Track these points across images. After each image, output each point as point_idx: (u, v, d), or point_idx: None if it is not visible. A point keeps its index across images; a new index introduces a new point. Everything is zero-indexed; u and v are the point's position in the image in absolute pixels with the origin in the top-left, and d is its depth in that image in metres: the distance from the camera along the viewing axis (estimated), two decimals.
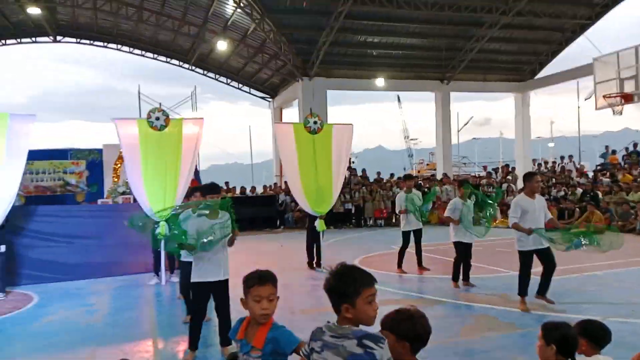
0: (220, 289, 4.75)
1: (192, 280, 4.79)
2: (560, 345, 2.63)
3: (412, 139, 59.00)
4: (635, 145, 20.17)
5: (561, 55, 22.97)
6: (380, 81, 21.62)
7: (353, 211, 17.78)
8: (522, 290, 6.44)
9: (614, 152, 20.77)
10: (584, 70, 18.83)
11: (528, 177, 6.62)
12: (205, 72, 24.81)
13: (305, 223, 11.67)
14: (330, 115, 20.55)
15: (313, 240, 9.93)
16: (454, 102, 24.14)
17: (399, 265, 9.02)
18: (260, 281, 2.51)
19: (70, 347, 5.41)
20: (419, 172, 34.92)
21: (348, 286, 2.22)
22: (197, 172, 11.35)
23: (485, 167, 24.71)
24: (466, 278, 7.80)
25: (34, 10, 18.66)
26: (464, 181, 8.73)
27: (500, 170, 22.41)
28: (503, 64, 23.22)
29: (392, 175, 20.54)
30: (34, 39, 22.64)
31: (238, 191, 18.64)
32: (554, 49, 22.54)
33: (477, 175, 24.30)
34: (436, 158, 25.93)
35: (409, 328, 2.31)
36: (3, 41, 22.28)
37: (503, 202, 18.07)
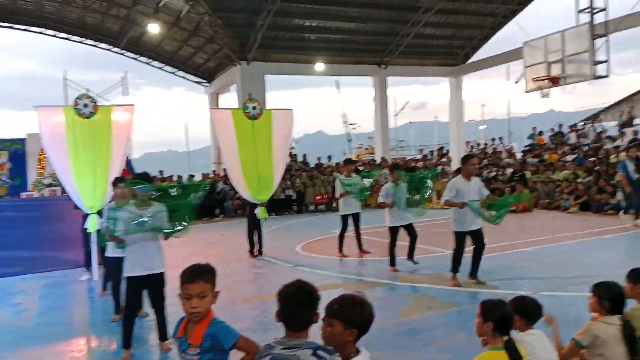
0: (153, 282, 4.58)
1: (124, 275, 4.59)
2: (497, 323, 2.72)
3: (351, 124, 59.69)
4: (560, 126, 21.37)
5: (492, 40, 23.82)
6: (319, 66, 21.57)
7: (294, 197, 17.75)
8: (455, 268, 6.78)
9: (540, 132, 21.88)
10: (514, 55, 19.58)
11: (465, 159, 6.89)
12: (137, 56, 23.75)
13: (245, 211, 11.52)
14: (269, 101, 20.35)
15: (254, 228, 9.81)
16: (391, 87, 24.54)
17: (340, 249, 9.08)
18: (190, 278, 2.40)
19: (1, 352, 5.06)
20: (358, 156, 35.34)
21: None
22: (129, 162, 10.85)
23: (421, 150, 25.36)
24: (411, 256, 7.94)
25: None
26: (394, 165, 8.92)
27: (435, 152, 23.10)
28: (438, 48, 23.78)
29: (329, 157, 20.62)
30: None
31: (175, 179, 18.08)
32: (486, 34, 23.31)
33: (413, 159, 24.91)
34: (375, 142, 26.32)
35: (357, 314, 2.29)
36: None
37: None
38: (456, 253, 6.77)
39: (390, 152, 25.73)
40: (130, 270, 4.54)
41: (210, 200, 16.98)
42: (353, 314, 2.27)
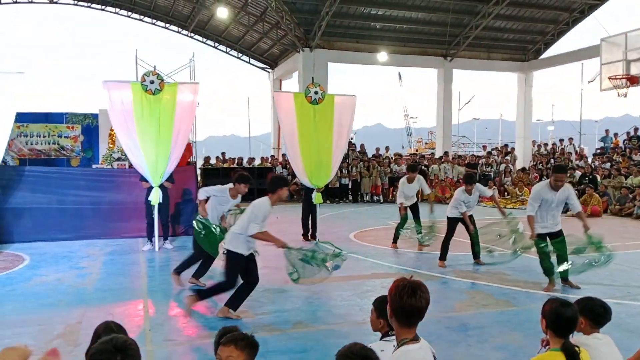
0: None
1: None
2: (554, 323, 2.58)
3: (411, 117, 58.68)
4: (636, 129, 20.02)
5: (566, 36, 22.62)
6: (382, 55, 21.27)
7: (350, 186, 17.67)
8: (549, 272, 6.29)
9: (615, 135, 20.63)
10: (590, 52, 18.53)
11: (556, 170, 6.43)
12: (205, 39, 24.35)
13: (301, 196, 11.58)
14: (331, 89, 20.25)
15: (309, 212, 9.83)
16: (456, 81, 23.84)
17: (394, 240, 8.95)
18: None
19: (60, 309, 5.35)
20: (417, 150, 34.78)
21: None
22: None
23: (484, 147, 24.54)
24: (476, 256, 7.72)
25: None
26: (468, 176, 8.30)
27: (499, 150, 22.29)
28: (508, 42, 22.84)
29: (387, 148, 20.31)
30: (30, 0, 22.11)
31: (235, 162, 18.47)
32: (561, 29, 22.16)
33: (476, 155, 24.17)
34: (436, 137, 25.71)
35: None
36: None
37: (500, 182, 18.02)
38: (542, 257, 6.30)
39: (452, 147, 25.10)
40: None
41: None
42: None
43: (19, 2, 22.44)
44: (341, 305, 5.70)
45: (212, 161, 18.41)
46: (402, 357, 2.21)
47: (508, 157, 20.19)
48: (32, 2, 22.46)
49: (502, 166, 19.01)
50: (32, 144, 15.01)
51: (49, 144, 15.26)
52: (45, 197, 9.39)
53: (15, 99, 8.24)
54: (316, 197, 9.75)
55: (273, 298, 5.86)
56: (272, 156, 21.03)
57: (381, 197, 17.61)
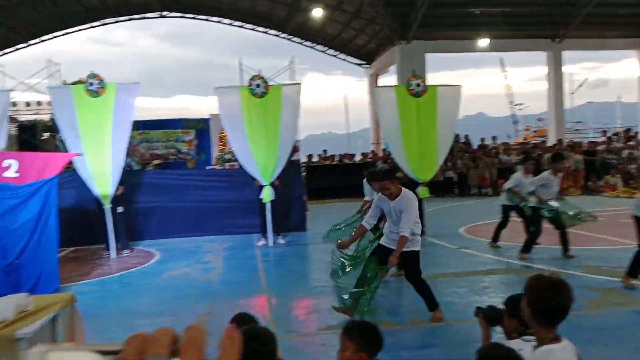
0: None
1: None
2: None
3: (517, 104, 55.47)
4: None
5: None
6: (483, 42, 20.37)
7: (455, 179, 17.14)
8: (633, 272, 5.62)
9: None
10: None
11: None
12: (303, 41, 24.91)
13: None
14: (430, 81, 19.80)
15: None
16: (567, 63, 22.16)
17: (494, 239, 8.28)
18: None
19: (191, 302, 5.77)
20: (525, 139, 32.85)
21: None
22: None
23: (604, 132, 22.56)
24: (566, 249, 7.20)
25: None
26: (556, 155, 7.85)
27: (620, 135, 20.39)
28: (624, 18, 20.76)
29: (494, 138, 19.40)
30: (143, 15, 24.02)
31: (337, 159, 18.71)
32: None
33: (594, 141, 22.32)
34: (548, 123, 24.12)
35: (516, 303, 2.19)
36: (117, 18, 23.88)
37: (624, 169, 16.48)
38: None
39: (565, 134, 23.41)
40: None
41: None
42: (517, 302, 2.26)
43: (134, 19, 24.51)
44: (457, 302, 5.54)
45: (314, 159, 18.80)
46: (545, 357, 2.10)
47: (632, 142, 18.41)
48: (144, 18, 24.43)
49: (625, 152, 17.36)
50: (152, 149, 16.32)
51: (167, 148, 16.49)
52: (167, 197, 10.16)
53: (133, 107, 8.83)
54: (422, 192, 9.58)
55: (387, 293, 5.86)
56: (372, 151, 21.02)
57: (490, 189, 16.88)
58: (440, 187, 16.63)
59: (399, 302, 5.49)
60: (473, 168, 16.94)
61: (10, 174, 5.59)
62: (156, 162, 14.39)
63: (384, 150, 20.35)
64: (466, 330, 4.63)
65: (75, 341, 3.30)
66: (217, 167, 12.73)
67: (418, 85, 9.67)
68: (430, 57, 20.96)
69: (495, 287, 6.11)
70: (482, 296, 5.65)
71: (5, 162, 5.61)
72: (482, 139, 19.37)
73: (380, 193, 4.88)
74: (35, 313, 2.86)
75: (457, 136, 19.37)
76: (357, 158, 19.86)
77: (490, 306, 2.76)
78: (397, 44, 19.98)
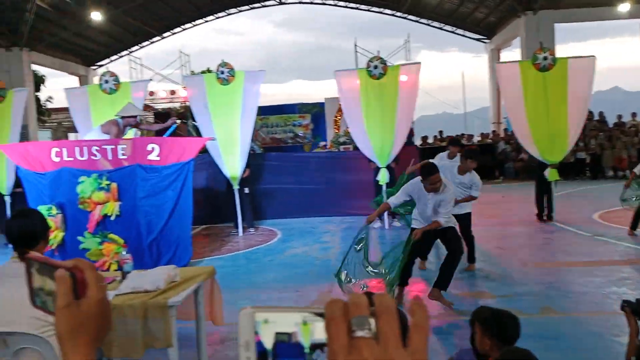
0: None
1: None
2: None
3: None
4: None
5: None
6: (624, 7, 18.22)
7: (587, 161, 15.72)
8: None
9: None
10: None
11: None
12: (418, 18, 24.26)
13: (528, 174, 10.78)
14: (558, 54, 18.24)
15: (543, 191, 9.09)
16: None
17: (633, 226, 7.52)
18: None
19: (312, 279, 6.02)
20: None
21: None
22: None
23: None
24: None
25: None
26: None
27: None
28: None
29: (634, 114, 17.40)
30: (262, 3, 24.99)
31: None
32: None
33: None
34: None
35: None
36: (238, 8, 25.11)
37: None
38: None
39: None
40: None
41: (490, 161, 16.44)
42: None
43: (254, 8, 25.57)
44: (592, 293, 5.14)
45: (430, 140, 18.36)
46: None
47: None
48: (264, 6, 25.39)
49: None
50: (272, 134, 17.09)
51: (285, 132, 17.17)
52: (286, 179, 10.59)
53: (258, 93, 9.31)
54: (550, 174, 8.95)
55: (514, 280, 5.61)
56: (494, 132, 20.00)
57: (627, 171, 15.25)
58: (570, 169, 15.37)
59: (526, 290, 5.22)
60: (608, 148, 15.40)
61: (153, 157, 6.21)
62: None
63: (506, 130, 19.28)
64: (602, 322, 4.30)
65: (214, 309, 3.62)
66: (332, 149, 12.98)
67: (545, 58, 8.97)
68: (559, 28, 19.29)
69: (636, 279, 5.57)
70: (621, 287, 5.18)
71: (149, 147, 6.23)
72: (619, 116, 17.50)
73: (427, 187, 4.73)
74: (182, 283, 3.18)
75: (590, 113, 17.71)
76: (476, 139, 19.06)
77: (639, 299, 2.53)
78: (521, 15, 18.65)
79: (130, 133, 8.00)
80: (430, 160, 5.64)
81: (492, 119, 22.90)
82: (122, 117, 7.23)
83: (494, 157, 16.93)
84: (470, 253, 5.99)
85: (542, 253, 6.97)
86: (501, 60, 23.34)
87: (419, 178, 4.83)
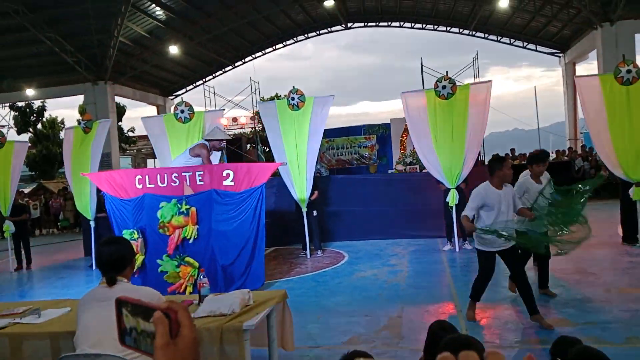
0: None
1: None
2: None
3: None
4: None
5: None
6: None
7: None
8: None
9: None
10: None
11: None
12: (487, 35, 23.79)
13: (614, 192, 10.15)
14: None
15: (628, 210, 8.53)
16: None
17: None
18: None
19: (381, 302, 5.96)
20: None
21: None
22: None
23: None
24: None
25: (329, 3, 21.03)
26: None
27: None
28: None
29: None
30: (329, 29, 25.52)
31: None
32: None
33: None
34: None
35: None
36: (306, 35, 25.77)
37: None
38: None
39: None
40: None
41: (567, 179, 15.62)
42: None
43: (321, 34, 26.14)
44: None
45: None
46: None
47: None
48: (331, 32, 25.90)
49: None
50: (338, 156, 17.23)
51: (350, 154, 17.25)
52: (353, 201, 10.61)
53: (326, 117, 9.43)
54: (635, 193, 8.38)
55: (596, 307, 5.28)
56: (570, 148, 19.07)
57: None
58: None
59: (610, 318, 4.90)
60: None
61: (228, 182, 6.47)
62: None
63: (584, 146, 18.35)
64: None
65: (285, 334, 3.68)
66: (398, 170, 12.88)
67: (629, 71, 8.49)
68: (639, 39, 18.19)
69: None
70: None
71: (225, 172, 6.51)
72: None
73: (500, 174, 4.89)
74: (256, 307, 3.28)
75: None
76: (551, 157, 18.21)
77: None
78: (597, 27, 17.81)
79: (217, 156, 8.42)
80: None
81: (569, 135, 21.86)
82: (209, 141, 7.64)
83: (571, 174, 16.09)
84: (542, 277, 5.79)
85: (627, 278, 6.50)
86: (577, 73, 22.35)
87: (483, 183, 4.96)
